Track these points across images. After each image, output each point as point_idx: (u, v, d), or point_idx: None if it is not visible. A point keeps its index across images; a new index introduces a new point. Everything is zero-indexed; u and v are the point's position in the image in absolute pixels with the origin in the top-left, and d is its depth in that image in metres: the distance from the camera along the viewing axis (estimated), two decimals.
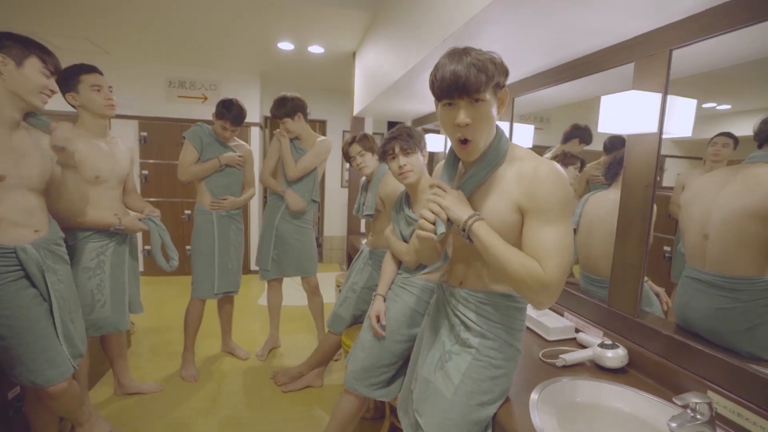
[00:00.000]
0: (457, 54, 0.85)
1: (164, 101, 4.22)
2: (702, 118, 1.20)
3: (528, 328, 1.55)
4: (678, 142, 1.29)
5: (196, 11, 2.69)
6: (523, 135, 1.99)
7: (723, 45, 1.06)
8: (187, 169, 2.27)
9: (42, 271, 1.31)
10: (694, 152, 1.30)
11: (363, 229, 3.87)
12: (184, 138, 2.28)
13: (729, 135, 1.15)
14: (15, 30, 1.29)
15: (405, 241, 1.58)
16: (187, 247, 4.35)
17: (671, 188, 1.31)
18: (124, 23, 2.99)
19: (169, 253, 1.97)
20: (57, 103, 1.79)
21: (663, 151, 1.21)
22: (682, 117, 1.19)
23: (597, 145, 1.70)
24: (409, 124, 3.66)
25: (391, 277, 1.64)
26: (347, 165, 2.16)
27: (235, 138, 2.44)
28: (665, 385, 1.13)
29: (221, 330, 2.68)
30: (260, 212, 4.77)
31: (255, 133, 4.46)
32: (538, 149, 1.99)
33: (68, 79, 1.65)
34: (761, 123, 1.02)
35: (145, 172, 4.20)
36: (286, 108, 2.31)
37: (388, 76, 2.32)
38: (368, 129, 3.88)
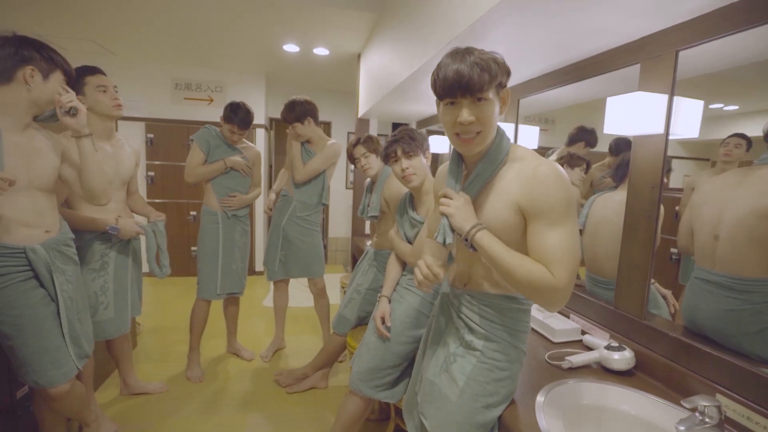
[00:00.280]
0: (460, 53, 0.85)
1: (170, 103, 4.25)
2: (709, 119, 1.19)
3: (533, 329, 1.55)
4: (684, 143, 1.28)
5: (201, 13, 2.72)
6: (528, 136, 1.99)
7: (729, 46, 1.05)
8: (193, 171, 2.28)
9: (50, 271, 1.32)
10: (701, 153, 1.30)
11: (368, 231, 3.87)
12: (191, 140, 2.30)
13: (742, 136, 1.14)
14: (22, 31, 1.31)
15: (409, 242, 1.58)
16: (193, 248, 4.41)
17: (678, 189, 1.30)
18: (131, 25, 3.02)
19: (162, 260, 1.97)
20: None
21: (669, 152, 1.20)
22: (688, 118, 1.18)
23: (601, 147, 1.70)
24: (413, 125, 3.66)
25: (396, 278, 1.65)
26: (352, 166, 2.17)
27: (244, 140, 2.45)
28: (673, 388, 1.12)
29: (226, 331, 2.69)
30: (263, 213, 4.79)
31: (260, 134, 4.48)
32: (543, 150, 1.98)
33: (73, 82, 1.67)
34: None
35: (152, 173, 4.23)
36: (295, 112, 2.32)
37: (393, 77, 2.32)
38: (373, 130, 3.88)
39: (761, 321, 1.00)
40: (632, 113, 1.20)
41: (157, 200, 4.23)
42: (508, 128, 2.03)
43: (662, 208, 1.23)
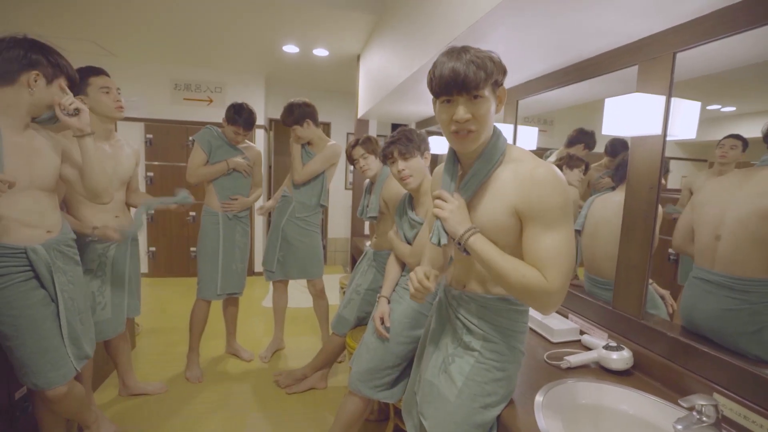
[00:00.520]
0: (456, 51, 0.85)
1: (170, 103, 4.25)
2: (707, 120, 1.20)
3: (532, 329, 1.55)
4: (682, 144, 1.29)
5: (201, 14, 2.72)
6: (527, 137, 2.00)
7: (727, 48, 1.06)
8: (195, 172, 2.29)
9: (51, 272, 1.32)
10: (698, 154, 1.31)
11: (367, 231, 3.87)
12: (192, 141, 2.30)
13: (737, 137, 1.14)
14: (22, 31, 1.31)
15: (408, 243, 1.59)
16: (192, 249, 4.41)
17: (676, 190, 1.31)
18: (131, 25, 3.03)
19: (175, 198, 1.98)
20: None
21: (667, 153, 1.21)
22: (686, 119, 1.19)
23: (600, 148, 1.71)
24: (413, 126, 3.67)
25: (395, 278, 1.65)
26: (351, 167, 2.18)
27: (245, 140, 2.46)
28: (671, 388, 1.12)
29: (226, 331, 2.69)
30: (265, 214, 4.78)
31: (260, 135, 4.48)
32: (542, 151, 1.99)
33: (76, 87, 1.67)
34: None
35: (151, 174, 4.23)
36: (294, 115, 2.34)
37: (392, 78, 2.33)
38: (372, 131, 3.89)
39: (759, 321, 1.01)
40: (630, 114, 1.21)
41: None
42: (507, 129, 2.04)
43: (660, 208, 1.24)
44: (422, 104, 2.80)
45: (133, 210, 2.00)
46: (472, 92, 0.84)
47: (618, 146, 1.56)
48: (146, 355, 2.67)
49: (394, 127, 4.56)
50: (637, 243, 1.28)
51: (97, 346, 1.67)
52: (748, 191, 1.06)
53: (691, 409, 0.84)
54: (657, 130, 1.19)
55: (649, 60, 1.23)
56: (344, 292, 2.15)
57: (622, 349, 1.22)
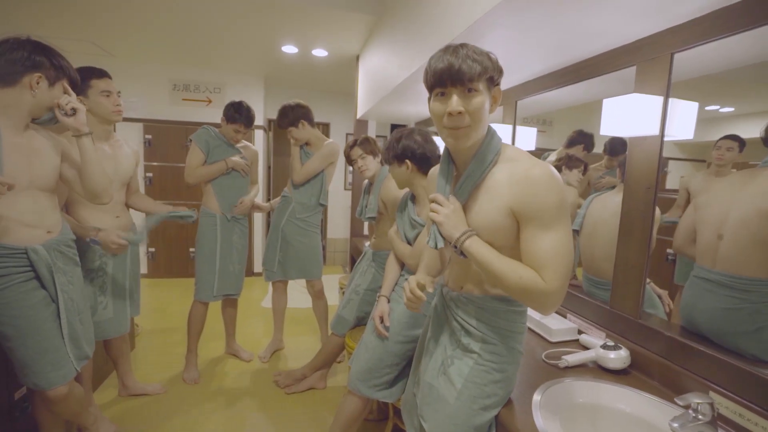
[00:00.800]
0: (453, 47, 0.85)
1: (169, 104, 4.25)
2: (705, 120, 1.20)
3: (530, 329, 1.56)
4: (681, 144, 1.30)
5: (200, 14, 2.72)
6: (526, 137, 2.00)
7: (725, 48, 1.07)
8: (193, 172, 2.28)
9: (51, 272, 1.32)
10: (697, 155, 1.31)
11: (366, 232, 3.88)
12: (190, 141, 2.30)
13: (734, 138, 1.15)
14: (22, 31, 1.31)
15: (409, 242, 1.59)
16: (191, 250, 4.41)
17: (675, 191, 1.32)
18: (129, 26, 3.03)
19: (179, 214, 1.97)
20: None
21: (666, 154, 1.22)
22: (683, 120, 1.19)
23: (599, 149, 1.71)
24: (412, 126, 3.67)
25: (395, 278, 1.65)
26: (350, 167, 2.19)
27: (242, 140, 2.47)
28: (667, 386, 1.13)
29: (225, 332, 2.69)
30: (263, 214, 4.79)
31: (259, 135, 4.48)
32: (541, 152, 2.00)
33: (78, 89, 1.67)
34: (767, 130, 1.03)
35: (150, 174, 4.23)
36: (289, 118, 2.35)
37: (391, 79, 2.34)
38: (372, 132, 3.89)
39: (758, 320, 1.01)
40: (628, 115, 1.21)
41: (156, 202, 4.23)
42: (506, 129, 2.05)
43: (658, 209, 1.24)
44: (421, 105, 2.81)
45: (131, 211, 2.00)
46: (466, 85, 0.83)
47: (617, 145, 1.56)
48: (146, 355, 2.67)
49: (393, 127, 4.57)
50: (634, 243, 1.28)
51: (97, 347, 1.68)
52: (751, 192, 1.07)
53: (687, 407, 0.85)
54: (655, 131, 1.20)
55: (646, 61, 1.24)
56: (343, 293, 2.16)
57: (620, 348, 1.23)
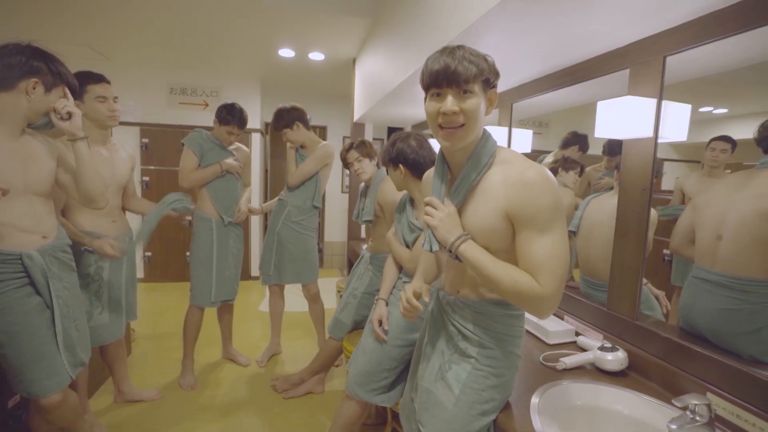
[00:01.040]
0: (450, 49, 0.86)
1: (165, 108, 4.24)
2: (699, 122, 1.21)
3: (528, 331, 1.56)
4: (677, 145, 1.30)
5: (197, 18, 2.73)
6: (522, 140, 2.01)
7: (718, 51, 1.08)
8: (188, 176, 2.27)
9: (46, 278, 1.31)
10: (692, 155, 1.32)
11: (363, 235, 3.88)
12: (182, 144, 2.29)
13: (727, 140, 1.16)
14: (19, 36, 1.31)
15: (407, 245, 1.59)
16: (188, 253, 4.38)
17: (670, 191, 1.32)
18: (126, 30, 3.03)
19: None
20: None
21: (662, 155, 1.23)
22: (677, 122, 1.20)
23: (594, 150, 1.72)
24: (408, 129, 3.68)
25: (393, 280, 1.65)
26: (347, 171, 2.19)
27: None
28: (665, 388, 1.13)
29: (221, 337, 2.68)
30: (260, 218, 4.78)
31: (256, 139, 4.48)
32: (537, 154, 2.00)
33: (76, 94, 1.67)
34: (761, 128, 1.03)
35: (146, 178, 4.22)
36: (284, 120, 2.36)
37: (387, 82, 2.34)
38: (368, 135, 3.90)
39: (757, 321, 1.02)
40: (622, 117, 1.22)
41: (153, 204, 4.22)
42: (501, 132, 2.06)
43: (655, 210, 1.25)
44: (417, 107, 2.81)
45: (128, 214, 2.00)
46: (462, 86, 0.83)
47: (616, 146, 1.57)
48: (142, 360, 2.65)
49: (391, 130, 4.58)
50: (630, 244, 1.29)
51: (93, 353, 1.67)
52: (749, 193, 1.07)
53: (684, 408, 0.85)
54: (648, 133, 1.21)
55: (639, 63, 1.24)
56: (341, 296, 2.15)
57: (617, 350, 1.23)
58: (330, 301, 3.56)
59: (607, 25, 1.18)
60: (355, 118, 3.54)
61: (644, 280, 1.29)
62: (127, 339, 2.56)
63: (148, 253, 4.33)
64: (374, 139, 4.56)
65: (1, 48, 1.24)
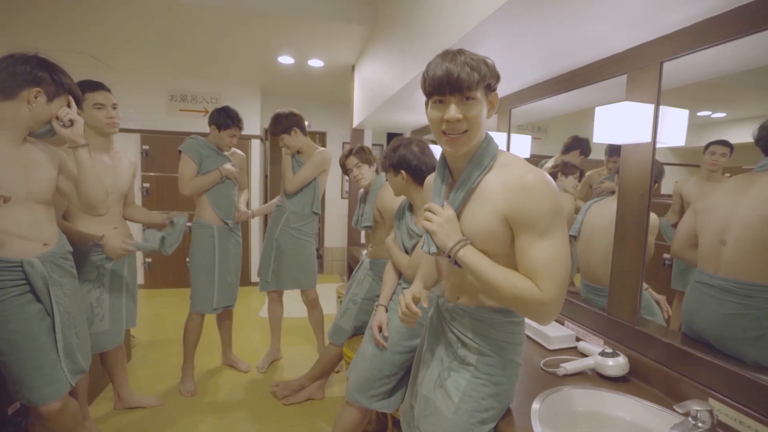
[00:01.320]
0: (451, 53, 0.86)
1: (166, 115, 4.26)
2: (697, 126, 1.22)
3: (528, 337, 1.55)
4: (676, 150, 1.31)
5: (197, 26, 2.75)
6: (521, 145, 2.02)
7: (715, 56, 1.08)
8: (189, 183, 2.27)
9: (47, 285, 1.31)
10: (691, 160, 1.32)
11: (363, 240, 3.88)
12: (179, 152, 2.29)
13: (726, 144, 1.16)
14: (20, 44, 1.33)
15: (406, 251, 1.59)
16: (188, 260, 4.37)
17: (670, 196, 1.32)
18: (127, 37, 3.05)
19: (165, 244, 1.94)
20: None
21: (662, 159, 1.23)
22: (674, 127, 1.21)
23: (594, 155, 1.73)
24: (408, 135, 3.70)
25: (393, 286, 1.65)
26: (347, 176, 2.20)
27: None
28: (667, 393, 1.13)
29: (221, 343, 2.67)
30: (259, 223, 4.78)
31: (256, 145, 4.50)
32: (537, 159, 2.01)
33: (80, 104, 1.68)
34: (760, 129, 1.03)
35: (147, 185, 4.23)
36: (282, 125, 2.36)
37: (386, 88, 2.35)
38: (368, 141, 3.91)
39: (761, 326, 1.01)
40: (620, 122, 1.23)
41: (153, 212, 4.22)
42: (500, 137, 2.06)
43: (655, 215, 1.25)
44: (416, 113, 2.83)
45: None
46: (464, 93, 0.83)
47: (617, 146, 1.57)
48: (142, 367, 2.64)
49: (390, 136, 4.59)
50: (630, 249, 1.29)
51: (93, 359, 1.67)
52: (752, 196, 1.06)
53: (686, 414, 0.85)
54: (646, 138, 1.21)
55: (636, 69, 1.25)
56: (341, 302, 2.15)
57: (618, 355, 1.22)
58: (330, 307, 3.55)
59: (604, 32, 1.19)
60: (355, 124, 3.56)
61: (645, 285, 1.29)
62: (127, 345, 2.55)
63: (148, 260, 4.33)
64: (373, 145, 4.58)
65: (6, 57, 1.26)
